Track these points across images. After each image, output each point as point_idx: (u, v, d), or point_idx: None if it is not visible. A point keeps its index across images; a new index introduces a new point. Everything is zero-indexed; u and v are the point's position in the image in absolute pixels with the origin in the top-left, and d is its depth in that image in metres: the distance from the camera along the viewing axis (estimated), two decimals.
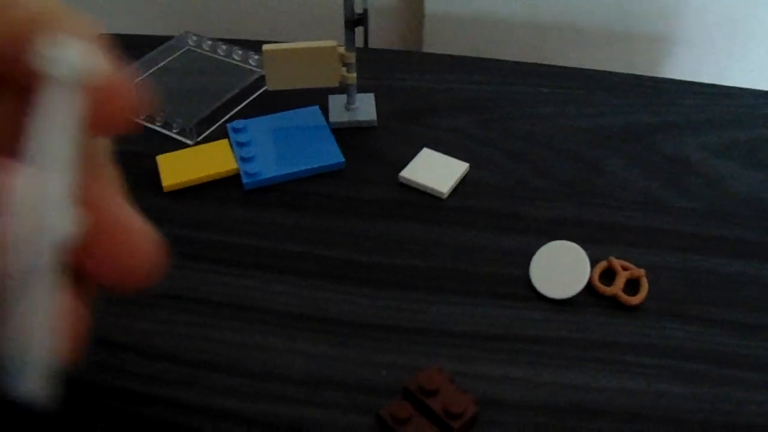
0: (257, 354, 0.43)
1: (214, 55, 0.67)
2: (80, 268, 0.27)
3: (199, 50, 0.68)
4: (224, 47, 0.67)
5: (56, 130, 0.24)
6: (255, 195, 0.53)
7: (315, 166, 0.55)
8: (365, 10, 0.53)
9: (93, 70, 0.23)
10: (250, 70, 0.64)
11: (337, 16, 0.56)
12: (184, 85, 0.64)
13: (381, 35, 0.88)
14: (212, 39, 0.68)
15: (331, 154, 0.55)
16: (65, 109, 0.24)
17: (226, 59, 0.66)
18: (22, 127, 0.26)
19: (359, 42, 0.55)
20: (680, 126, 0.60)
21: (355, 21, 0.54)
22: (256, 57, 0.65)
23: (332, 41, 0.55)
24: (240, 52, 0.66)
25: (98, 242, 0.26)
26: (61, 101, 0.23)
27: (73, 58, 0.23)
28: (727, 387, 0.42)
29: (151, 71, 0.65)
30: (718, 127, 0.60)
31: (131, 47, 0.67)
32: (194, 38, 0.68)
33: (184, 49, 0.68)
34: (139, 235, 0.27)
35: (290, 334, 0.44)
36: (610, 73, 0.66)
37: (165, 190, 0.53)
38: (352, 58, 0.55)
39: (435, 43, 0.84)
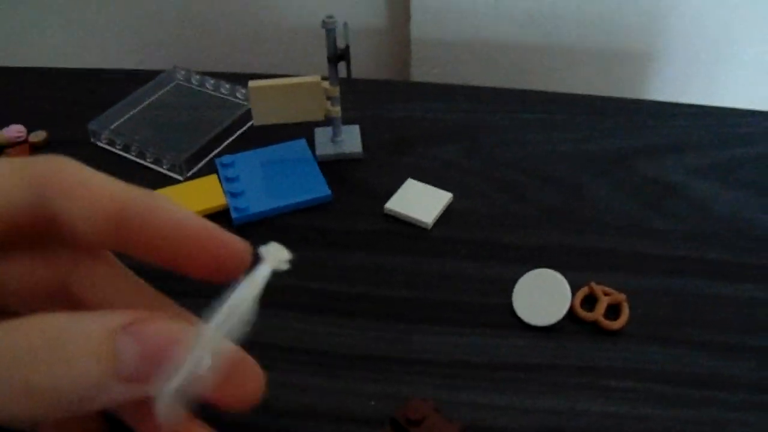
0: None
1: (202, 89, 0.68)
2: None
3: (187, 84, 0.69)
4: (212, 81, 0.68)
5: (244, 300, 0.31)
6: (244, 229, 0.54)
7: (302, 199, 0.56)
8: (347, 46, 0.54)
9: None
10: (238, 103, 0.66)
11: (320, 47, 0.57)
12: (173, 119, 0.65)
13: (368, 61, 0.89)
14: (200, 73, 0.69)
15: (318, 188, 0.57)
16: (257, 287, 0.31)
17: (214, 93, 0.68)
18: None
19: (342, 75, 0.56)
20: (662, 148, 0.61)
21: (338, 56, 0.55)
22: (243, 90, 0.66)
23: (316, 77, 0.56)
24: (227, 85, 0.67)
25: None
26: (257, 282, 0.31)
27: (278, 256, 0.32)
28: (710, 408, 0.42)
29: (141, 106, 0.66)
30: (699, 148, 0.61)
31: (122, 82, 0.69)
32: (182, 72, 0.69)
33: (173, 84, 0.69)
34: (250, 368, 0.34)
35: (278, 366, 0.45)
36: (593, 97, 0.67)
37: None
38: (336, 92, 0.57)
39: (422, 68, 0.85)
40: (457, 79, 0.73)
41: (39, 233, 0.34)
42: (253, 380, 0.35)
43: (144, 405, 0.33)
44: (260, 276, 0.31)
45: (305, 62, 0.82)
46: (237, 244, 0.33)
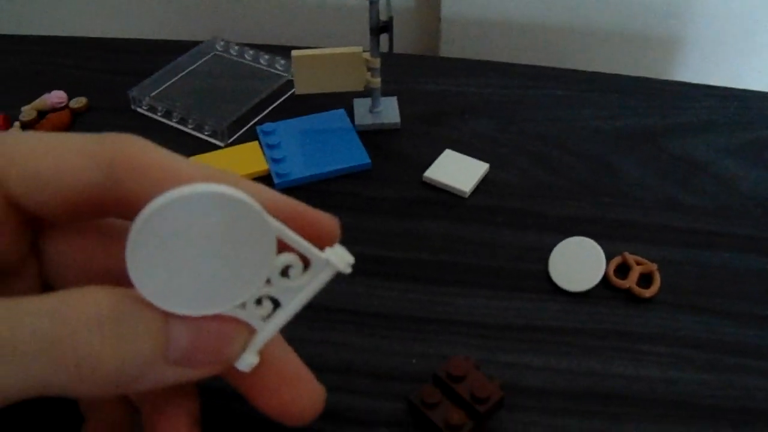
0: (293, 345, 0.45)
1: (242, 60, 0.70)
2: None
3: (226, 55, 0.70)
4: (251, 52, 0.69)
5: (301, 301, 0.32)
6: (286, 194, 0.55)
7: (342, 166, 0.57)
8: (390, 18, 0.56)
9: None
10: (277, 74, 0.67)
11: (360, 22, 0.58)
12: (213, 88, 0.67)
13: (397, 38, 0.90)
14: (239, 44, 0.70)
15: (358, 156, 0.58)
16: (315, 289, 0.32)
17: (254, 64, 0.69)
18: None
19: (383, 48, 0.58)
20: (690, 127, 0.62)
21: (380, 28, 0.56)
22: (283, 62, 0.68)
23: (358, 47, 0.58)
24: (267, 56, 0.69)
25: (268, 381, 0.34)
26: (320, 282, 0.32)
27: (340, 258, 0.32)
28: (736, 374, 0.44)
29: (181, 75, 0.68)
30: (727, 129, 0.62)
31: (161, 52, 0.70)
32: (222, 43, 0.71)
33: (211, 54, 0.71)
34: (306, 383, 0.35)
35: (324, 326, 0.47)
36: (623, 76, 0.68)
37: None
38: (376, 63, 0.58)
39: (451, 46, 0.86)
40: (485, 58, 0.74)
41: (106, 213, 0.33)
42: (308, 396, 0.35)
43: (163, 398, 0.34)
44: (324, 277, 0.32)
45: (336, 38, 0.83)
46: (327, 220, 0.34)
